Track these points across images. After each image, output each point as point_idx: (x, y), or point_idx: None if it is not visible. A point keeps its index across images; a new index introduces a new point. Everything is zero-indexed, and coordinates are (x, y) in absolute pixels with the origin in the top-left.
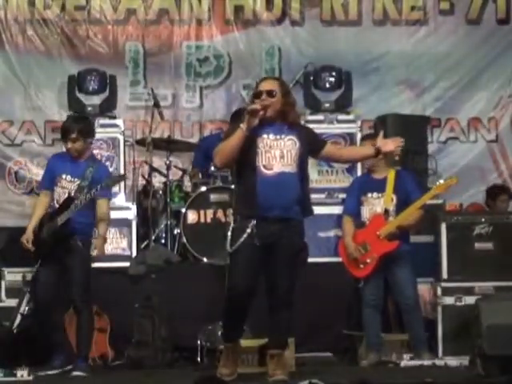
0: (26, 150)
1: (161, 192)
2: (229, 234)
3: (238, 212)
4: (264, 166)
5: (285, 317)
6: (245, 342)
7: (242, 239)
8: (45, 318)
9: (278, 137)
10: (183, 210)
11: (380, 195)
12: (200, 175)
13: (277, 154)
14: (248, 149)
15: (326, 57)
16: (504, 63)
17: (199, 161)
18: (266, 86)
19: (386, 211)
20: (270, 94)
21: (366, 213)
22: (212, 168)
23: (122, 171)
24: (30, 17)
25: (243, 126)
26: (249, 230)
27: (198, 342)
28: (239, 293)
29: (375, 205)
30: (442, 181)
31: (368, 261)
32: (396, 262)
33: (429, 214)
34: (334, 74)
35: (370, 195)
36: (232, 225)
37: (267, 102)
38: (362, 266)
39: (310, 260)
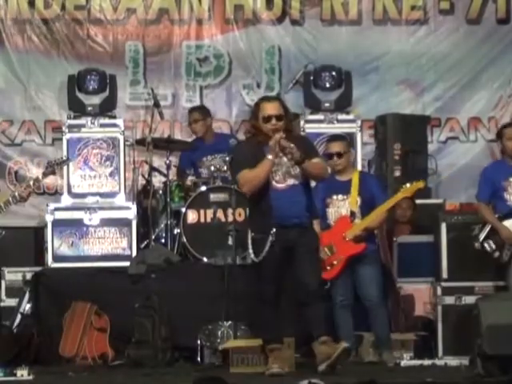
0: (26, 150)
1: (161, 192)
2: (249, 243)
3: (256, 224)
4: (276, 181)
5: (319, 310)
6: (245, 342)
7: (266, 248)
8: None
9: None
10: (183, 210)
11: (345, 197)
12: (188, 180)
13: (285, 168)
14: None
15: (325, 56)
16: (504, 63)
17: (185, 167)
18: (271, 110)
19: (352, 213)
20: (278, 118)
21: (331, 215)
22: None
23: (122, 170)
24: (29, 17)
25: (271, 157)
26: (271, 239)
27: (198, 342)
28: (269, 296)
29: (340, 207)
30: (408, 184)
31: (335, 263)
32: (361, 261)
33: (429, 214)
34: (333, 73)
35: (335, 197)
36: (251, 235)
37: (278, 126)
38: (328, 267)
39: None
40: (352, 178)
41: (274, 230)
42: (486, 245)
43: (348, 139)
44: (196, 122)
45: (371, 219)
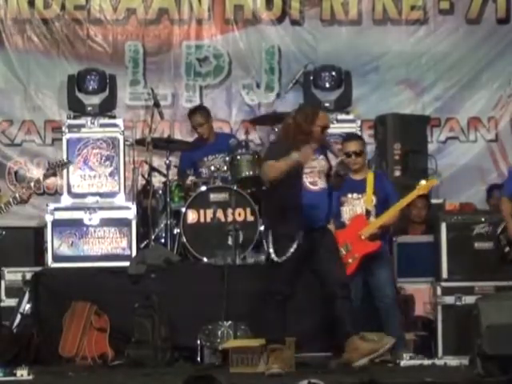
0: (26, 150)
1: (160, 192)
2: (270, 242)
3: (283, 223)
4: (310, 183)
5: (349, 305)
6: (245, 342)
7: (291, 249)
8: None
9: (315, 156)
10: (183, 210)
11: (360, 196)
12: (189, 180)
13: (317, 172)
14: (298, 169)
15: (325, 56)
16: (504, 63)
17: (185, 168)
18: (327, 121)
19: (367, 212)
20: (327, 129)
21: (346, 213)
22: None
23: (121, 170)
24: (29, 16)
25: (298, 158)
26: (297, 241)
27: (198, 342)
28: (284, 296)
29: (355, 205)
30: (423, 182)
31: (350, 261)
32: (376, 262)
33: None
34: (333, 73)
35: (350, 196)
36: (273, 234)
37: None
38: None
39: None
40: (367, 177)
41: (302, 232)
42: (501, 238)
43: (364, 139)
44: (201, 126)
45: (387, 217)
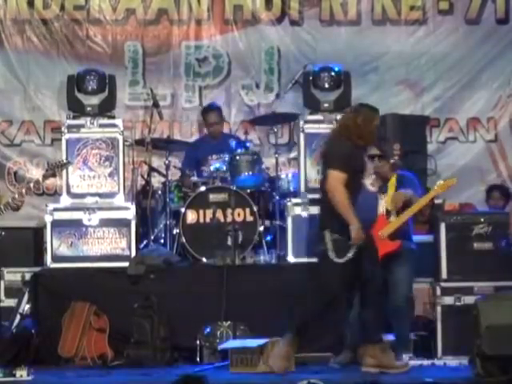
0: (26, 150)
1: (160, 192)
2: (329, 242)
3: (342, 224)
4: (371, 184)
5: (379, 312)
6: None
7: (351, 253)
8: None
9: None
10: (182, 210)
11: (382, 196)
12: (191, 180)
13: (371, 174)
14: (360, 170)
15: (325, 57)
16: (503, 63)
17: (189, 166)
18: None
19: (388, 212)
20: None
21: None
22: (195, 177)
23: (121, 171)
24: (29, 17)
25: (352, 233)
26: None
27: (198, 342)
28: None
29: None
30: (441, 181)
31: None
32: (395, 261)
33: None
34: (333, 74)
35: None
36: (333, 236)
37: None
38: None
39: (312, 260)
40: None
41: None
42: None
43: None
44: (216, 125)
45: (406, 217)
